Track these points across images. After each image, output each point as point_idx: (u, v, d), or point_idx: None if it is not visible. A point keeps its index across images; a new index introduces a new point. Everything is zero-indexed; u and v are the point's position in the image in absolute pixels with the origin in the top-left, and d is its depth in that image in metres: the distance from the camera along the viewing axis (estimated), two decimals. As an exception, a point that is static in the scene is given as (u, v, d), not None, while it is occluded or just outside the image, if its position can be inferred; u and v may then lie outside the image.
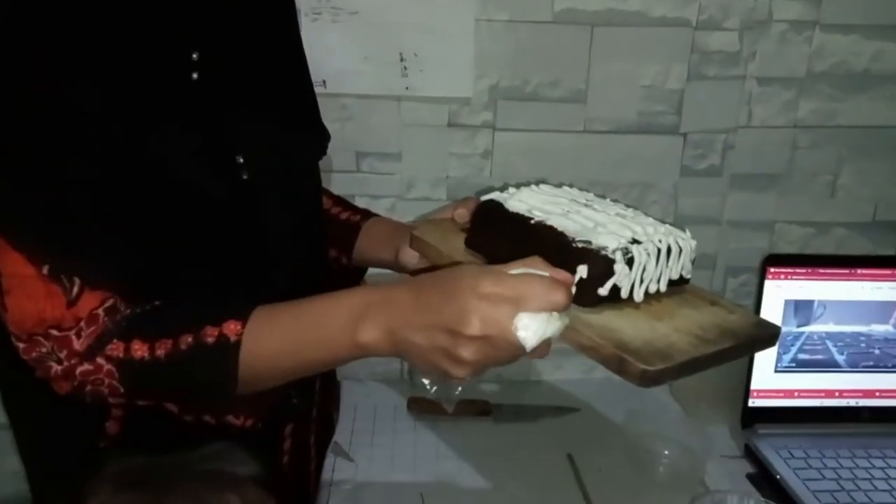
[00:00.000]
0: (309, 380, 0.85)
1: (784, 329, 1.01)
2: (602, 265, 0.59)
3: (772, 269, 0.99)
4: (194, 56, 0.66)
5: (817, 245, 1.16)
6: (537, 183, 0.76)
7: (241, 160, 0.69)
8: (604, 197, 0.75)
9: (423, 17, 1.02)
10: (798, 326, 1.01)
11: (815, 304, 1.01)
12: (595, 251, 0.60)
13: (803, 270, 1.00)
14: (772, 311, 1.00)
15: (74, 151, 0.58)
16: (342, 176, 1.10)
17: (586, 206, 0.69)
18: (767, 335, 0.63)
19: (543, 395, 1.16)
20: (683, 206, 1.14)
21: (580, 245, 0.60)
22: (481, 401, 1.10)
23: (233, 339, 0.58)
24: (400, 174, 1.10)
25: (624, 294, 0.61)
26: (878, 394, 1.04)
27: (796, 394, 1.03)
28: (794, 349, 1.02)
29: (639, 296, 0.62)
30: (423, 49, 1.03)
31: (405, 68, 1.04)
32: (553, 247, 0.61)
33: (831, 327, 1.02)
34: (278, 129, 0.75)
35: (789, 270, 1.00)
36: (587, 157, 1.10)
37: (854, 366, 1.03)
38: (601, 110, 1.08)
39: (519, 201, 0.68)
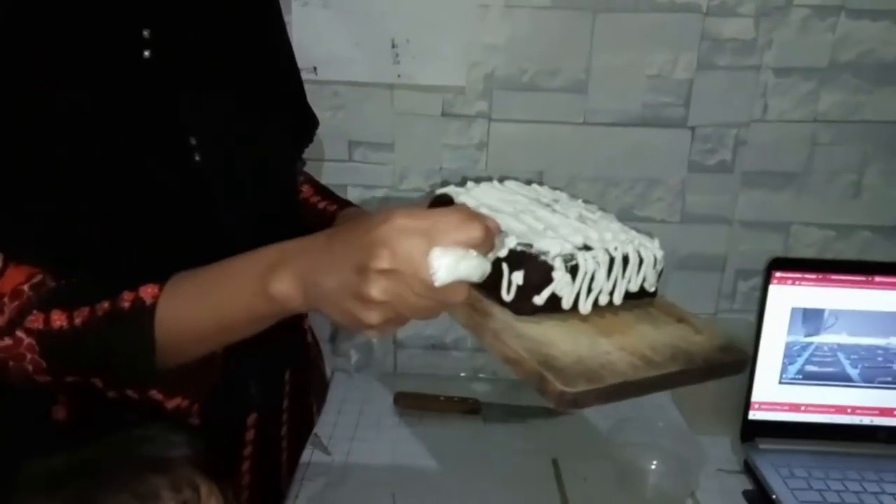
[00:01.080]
0: (276, 370, 0.84)
1: (790, 338, 0.94)
2: (539, 271, 0.55)
3: (777, 274, 0.92)
4: (145, 33, 0.64)
5: (838, 249, 1.08)
6: (501, 180, 0.72)
7: (194, 142, 0.67)
8: (576, 198, 0.70)
9: (416, 3, 0.99)
10: (806, 336, 0.94)
11: (826, 314, 0.94)
12: (533, 256, 0.55)
13: (813, 276, 0.93)
14: (776, 319, 0.93)
15: (9, 129, 0.57)
16: (334, 165, 1.08)
17: (547, 206, 0.65)
18: (732, 361, 0.57)
19: (538, 396, 1.12)
20: (691, 204, 1.08)
21: (519, 248, 0.56)
22: (471, 399, 1.07)
23: (148, 301, 0.56)
24: (393, 165, 1.07)
25: (566, 305, 0.56)
26: None
27: (802, 408, 0.96)
28: (800, 360, 0.95)
29: (585, 308, 0.57)
30: (416, 35, 1.00)
31: (397, 55, 1.01)
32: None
33: (844, 338, 0.94)
34: (241, 111, 0.73)
35: (797, 276, 0.93)
36: (588, 150, 1.05)
37: (869, 381, 0.95)
38: (603, 101, 1.03)
39: (470, 197, 0.65)
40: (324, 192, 0.93)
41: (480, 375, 1.16)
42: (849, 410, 0.97)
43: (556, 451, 0.97)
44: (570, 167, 1.06)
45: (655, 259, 0.61)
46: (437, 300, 0.50)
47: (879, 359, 0.95)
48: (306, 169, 0.96)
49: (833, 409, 0.96)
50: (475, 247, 0.49)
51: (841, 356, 0.95)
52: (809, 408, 0.96)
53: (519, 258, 0.56)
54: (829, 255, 1.09)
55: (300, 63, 0.89)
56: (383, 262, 0.48)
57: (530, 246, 0.56)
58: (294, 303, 0.54)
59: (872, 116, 1.03)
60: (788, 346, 0.94)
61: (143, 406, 0.62)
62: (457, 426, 1.03)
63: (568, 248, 0.56)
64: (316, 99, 1.01)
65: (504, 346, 0.52)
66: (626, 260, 0.59)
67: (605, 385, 0.49)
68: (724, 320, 1.10)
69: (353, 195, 1.08)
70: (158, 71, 0.64)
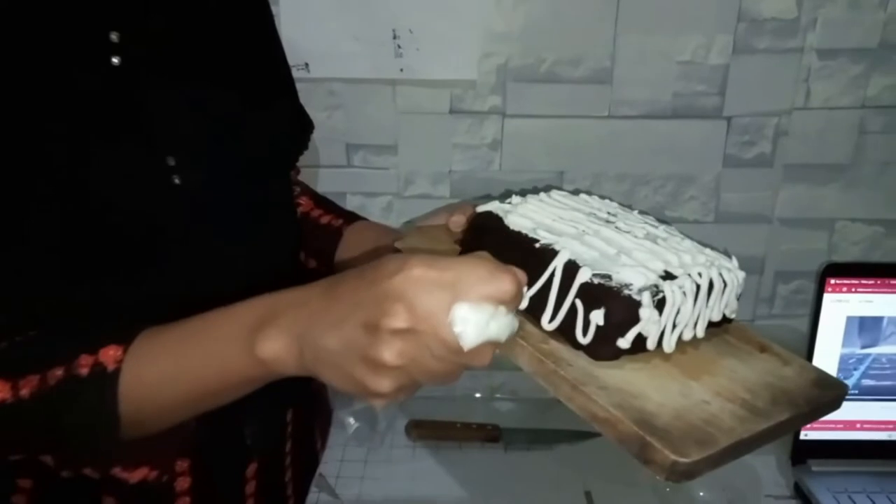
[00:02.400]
0: (276, 410, 0.75)
1: (845, 351, 0.85)
2: (624, 309, 0.47)
3: (832, 281, 0.83)
4: (113, 37, 0.54)
5: (888, 246, 0.99)
6: (547, 189, 0.63)
7: (173, 162, 0.57)
8: (630, 208, 0.61)
9: (419, -13, 0.88)
10: (863, 348, 0.85)
11: (885, 322, 0.85)
12: (616, 290, 0.47)
13: (870, 282, 0.84)
14: (830, 329, 0.84)
15: None
16: (331, 172, 0.97)
17: (607, 222, 0.56)
18: (831, 398, 0.49)
19: (563, 416, 1.03)
20: (727, 202, 0.98)
21: (596, 281, 0.48)
22: (490, 425, 0.98)
23: (110, 367, 0.48)
24: (397, 169, 0.97)
25: (651, 345, 0.49)
26: (959, 427, 0.87)
27: (858, 425, 0.88)
28: (857, 374, 0.86)
29: (670, 345, 0.49)
30: (420, 25, 0.89)
31: (399, 47, 0.90)
32: (565, 283, 0.49)
33: (904, 349, 0.86)
34: (227, 121, 0.63)
35: (853, 282, 0.83)
36: (613, 146, 0.95)
37: (929, 395, 0.87)
38: (630, 92, 0.93)
39: (522, 216, 0.55)
40: (324, 203, 0.83)
41: (498, 396, 1.06)
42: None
43: (588, 480, 0.88)
44: (594, 165, 0.96)
45: (737, 282, 0.52)
46: (460, 364, 0.44)
47: (943, 370, 0.86)
48: (300, 178, 0.86)
49: (892, 426, 0.88)
50: (505, 302, 0.43)
51: (901, 368, 0.86)
52: (866, 425, 0.88)
53: (597, 293, 0.47)
54: (878, 254, 0.99)
55: (290, 60, 0.79)
56: (399, 320, 0.42)
57: (609, 278, 0.48)
58: (287, 366, 0.47)
59: (926, 100, 0.93)
60: (843, 359, 0.85)
61: (104, 486, 0.53)
62: (476, 456, 0.94)
63: (652, 279, 0.47)
64: (309, 99, 0.91)
65: (589, 401, 0.44)
66: (710, 287, 0.50)
67: (718, 448, 0.41)
68: (764, 327, 1.01)
69: (352, 204, 0.98)
70: (129, 80, 0.54)
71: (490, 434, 0.96)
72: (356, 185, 0.98)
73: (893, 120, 0.94)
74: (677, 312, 0.49)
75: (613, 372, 0.47)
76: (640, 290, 0.47)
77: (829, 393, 0.49)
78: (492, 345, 0.44)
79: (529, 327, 0.51)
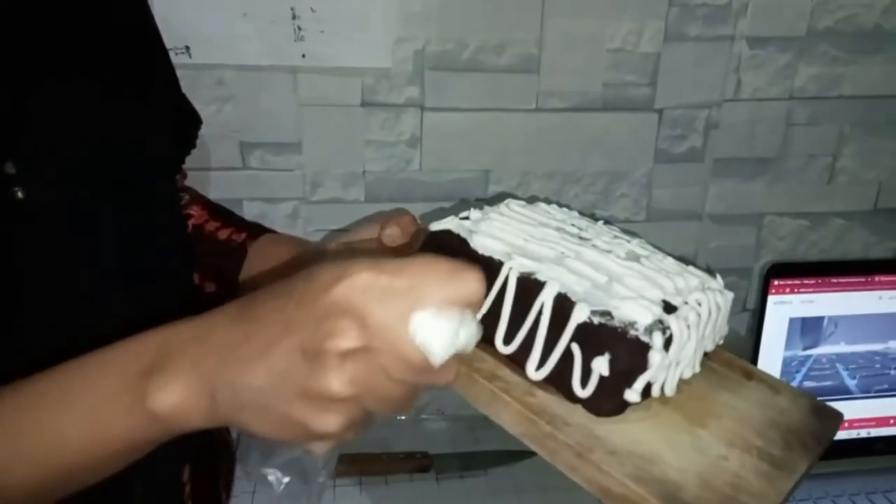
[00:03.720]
0: (171, 468, 0.62)
1: (788, 353, 0.82)
2: (633, 355, 0.39)
3: (776, 282, 0.79)
4: None
5: (813, 239, 0.98)
6: (501, 199, 0.53)
7: (14, 170, 0.44)
8: (592, 218, 0.53)
9: (321, -41, 0.75)
10: (805, 349, 0.82)
11: (826, 322, 0.82)
12: (620, 331, 0.39)
13: (812, 281, 0.80)
14: (774, 332, 0.80)
15: None
16: (223, 175, 0.83)
17: (581, 238, 0.47)
18: (832, 429, 0.44)
19: (494, 433, 0.95)
20: (658, 199, 0.93)
21: (596, 321, 0.39)
22: (419, 453, 0.88)
23: None
24: (301, 170, 0.84)
25: (656, 391, 0.41)
26: (892, 421, 0.86)
27: (800, 428, 0.85)
28: (799, 376, 0.83)
29: (671, 388, 0.42)
30: (323, 3, 0.77)
31: (299, 29, 0.77)
32: (557, 322, 0.41)
33: (843, 348, 0.83)
34: (89, 119, 0.49)
35: (796, 282, 0.80)
36: (542, 142, 0.87)
37: (867, 391, 0.85)
38: (558, 82, 0.85)
39: (489, 237, 0.45)
40: (221, 214, 0.69)
41: (424, 416, 0.97)
42: (846, 425, 0.86)
43: (530, 508, 0.80)
44: (521, 163, 0.88)
45: (728, 305, 0.45)
46: (422, 383, 0.36)
47: (877, 366, 0.85)
48: (188, 182, 0.72)
49: (831, 427, 0.86)
50: (472, 305, 0.36)
51: (840, 367, 0.84)
52: (807, 428, 0.85)
53: (598, 336, 0.39)
54: (802, 247, 0.98)
55: (167, 42, 0.65)
56: (348, 339, 0.33)
57: (610, 315, 0.39)
58: (192, 418, 0.37)
59: (850, 91, 0.91)
60: (786, 362, 0.82)
61: None
62: (406, 490, 0.85)
63: (657, 313, 0.39)
64: (193, 89, 0.77)
65: (600, 474, 0.36)
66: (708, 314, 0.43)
67: None
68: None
69: (250, 212, 0.85)
70: None
71: (419, 464, 0.87)
72: (254, 189, 0.84)
73: (819, 111, 0.92)
74: (681, 350, 0.41)
75: (617, 428, 0.39)
76: (648, 330, 0.39)
77: (830, 424, 0.44)
78: (456, 359, 0.36)
79: (510, 376, 0.42)
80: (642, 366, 0.39)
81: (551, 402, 0.41)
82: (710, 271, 0.47)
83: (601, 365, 0.39)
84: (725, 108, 0.90)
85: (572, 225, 0.50)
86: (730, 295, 0.46)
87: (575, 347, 0.40)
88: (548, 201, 0.55)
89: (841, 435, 0.86)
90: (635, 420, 0.40)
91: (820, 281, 0.81)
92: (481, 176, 0.88)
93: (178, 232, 0.64)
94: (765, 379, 0.47)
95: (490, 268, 0.44)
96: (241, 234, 0.66)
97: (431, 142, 0.85)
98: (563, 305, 0.40)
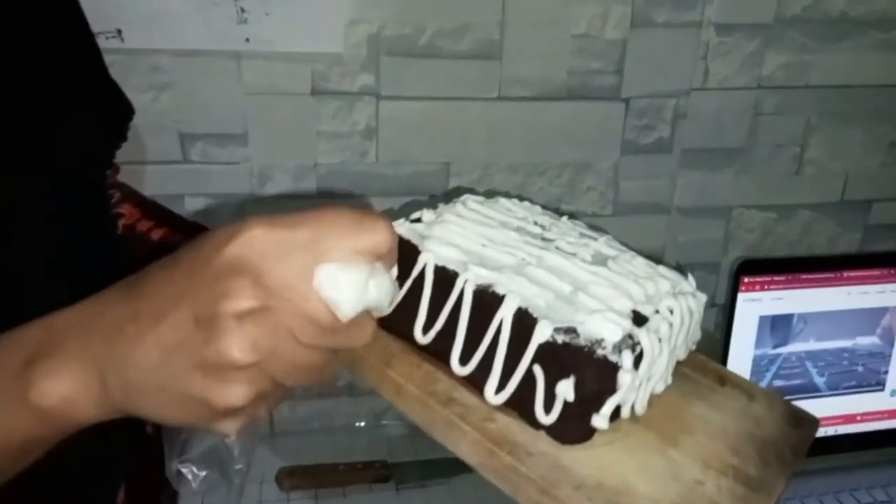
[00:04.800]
0: (104, 489, 0.57)
1: (758, 352, 0.80)
2: (600, 377, 0.35)
3: (746, 279, 0.77)
4: None
5: (780, 232, 0.96)
6: (458, 195, 0.48)
7: None
8: (555, 214, 0.49)
9: (265, -66, 0.70)
10: (774, 347, 0.80)
11: (795, 319, 0.80)
12: (587, 351, 0.35)
13: (782, 278, 0.78)
14: (743, 331, 0.78)
15: None
16: (162, 169, 0.77)
17: (544, 239, 0.43)
18: (808, 438, 0.42)
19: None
20: (626, 192, 0.89)
21: (560, 340, 0.35)
22: (378, 462, 0.84)
23: None
24: (248, 163, 0.79)
25: (626, 413, 0.38)
26: (859, 418, 0.85)
27: (769, 427, 0.83)
28: (769, 375, 0.81)
29: (642, 406, 0.39)
30: (269, -18, 0.71)
31: (243, 11, 0.71)
32: (517, 341, 0.37)
33: (812, 345, 0.82)
34: (10, 108, 0.45)
35: (766, 279, 0.78)
36: (504, 132, 0.83)
37: (835, 388, 0.84)
38: (521, 69, 0.81)
39: (443, 243, 0.41)
40: (155, 212, 0.64)
41: (384, 422, 0.92)
42: (815, 423, 0.84)
43: (494, 518, 0.77)
44: (483, 155, 0.84)
45: (701, 309, 0.42)
46: (334, 345, 0.33)
47: (845, 363, 0.83)
48: (122, 178, 0.66)
49: (800, 425, 0.84)
50: (382, 256, 0.33)
51: (809, 365, 0.82)
52: (776, 426, 0.83)
53: (562, 357, 0.35)
54: (770, 240, 0.96)
55: (96, 26, 0.59)
56: (244, 298, 0.30)
57: (574, 333, 0.35)
58: (83, 409, 0.33)
59: (818, 80, 0.89)
60: (756, 361, 0.80)
61: None
62: (365, 502, 0.80)
63: (625, 327, 0.36)
64: (126, 76, 0.71)
65: None
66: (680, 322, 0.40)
67: None
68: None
69: (193, 208, 0.79)
70: None
71: (378, 473, 0.82)
72: (196, 184, 0.78)
73: (786, 100, 0.90)
74: (653, 365, 0.38)
75: (584, 456, 0.36)
76: (617, 348, 0.35)
77: (806, 432, 0.42)
78: (370, 317, 0.34)
79: (468, 399, 0.38)
80: (611, 388, 0.35)
81: (513, 428, 0.37)
82: (682, 270, 0.44)
83: (566, 389, 0.35)
84: (693, 97, 0.87)
85: (535, 223, 0.46)
86: (703, 297, 0.43)
87: (537, 369, 0.36)
88: (508, 195, 0.50)
89: (809, 432, 0.84)
90: (604, 444, 0.37)
91: (790, 277, 0.78)
92: (441, 168, 0.83)
93: (106, 233, 0.58)
94: (739, 384, 0.45)
95: (444, 279, 0.39)
96: (176, 235, 0.60)
97: (388, 132, 0.80)
98: (524, 322, 0.36)
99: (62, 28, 0.56)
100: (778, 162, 0.93)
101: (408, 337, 0.41)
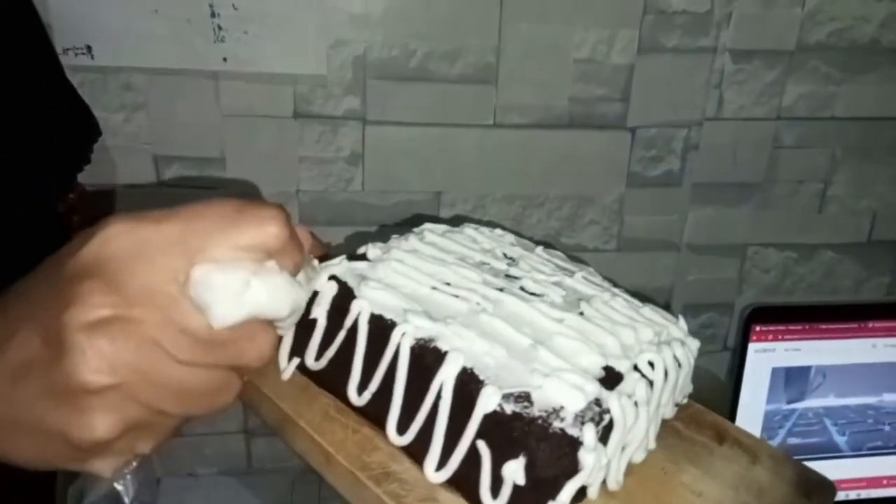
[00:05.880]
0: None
1: (770, 407, 0.73)
2: (557, 456, 0.30)
3: (758, 328, 0.70)
4: None
5: (800, 273, 0.89)
6: (417, 224, 0.43)
7: None
8: (530, 242, 0.44)
9: (245, -51, 0.66)
10: (789, 403, 0.73)
11: (813, 372, 0.73)
12: (541, 423, 0.30)
13: (798, 327, 0.71)
14: (754, 384, 0.71)
15: None
16: (135, 193, 0.73)
17: (508, 277, 0.38)
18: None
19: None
20: (631, 227, 0.83)
21: (509, 410, 0.30)
22: None
23: None
24: (226, 188, 0.74)
25: (593, 493, 0.32)
26: (885, 482, 0.77)
27: (783, 490, 0.76)
28: (781, 432, 0.74)
29: (616, 482, 0.33)
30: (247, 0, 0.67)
31: (220, 28, 0.67)
32: (460, 409, 0.32)
33: (831, 401, 0.74)
34: None
35: (780, 328, 0.71)
36: (500, 161, 0.78)
37: (858, 449, 0.76)
38: (518, 95, 0.76)
39: (382, 287, 0.36)
40: None
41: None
42: (834, 486, 0.77)
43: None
44: (477, 185, 0.78)
45: (691, 358, 0.38)
46: (221, 362, 0.28)
47: (870, 420, 0.76)
48: (92, 201, 0.62)
49: (817, 488, 0.76)
50: (273, 252, 0.29)
51: (828, 422, 0.75)
52: (790, 489, 0.76)
53: (511, 432, 0.30)
54: (789, 282, 0.89)
55: (64, 41, 0.56)
56: (93, 306, 0.26)
57: (527, 400, 0.30)
58: None
59: (843, 112, 0.83)
60: (768, 417, 0.73)
61: None
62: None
63: (591, 392, 0.30)
64: (97, 95, 0.68)
65: None
66: (665, 375, 0.35)
67: None
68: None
69: (168, 234, 0.75)
70: None
71: None
72: (170, 209, 0.74)
73: (809, 133, 0.83)
74: (629, 432, 0.32)
75: None
76: (579, 419, 0.30)
77: (821, 500, 0.36)
78: (266, 326, 0.29)
79: (408, 472, 0.33)
80: (571, 469, 0.30)
81: None
82: (669, 309, 0.39)
83: (514, 471, 0.30)
84: (706, 127, 0.81)
85: (503, 255, 0.41)
86: (695, 344, 0.38)
87: (482, 445, 0.31)
88: (492, 224, 0.45)
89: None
90: None
91: (807, 327, 0.72)
92: (432, 198, 0.78)
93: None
94: (740, 440, 0.39)
95: (380, 331, 0.34)
96: None
97: (375, 159, 0.76)
98: (468, 386, 0.31)
99: (18, 45, 0.52)
100: (799, 198, 0.86)
101: (343, 395, 0.36)
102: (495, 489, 0.31)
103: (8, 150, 0.50)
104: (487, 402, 0.30)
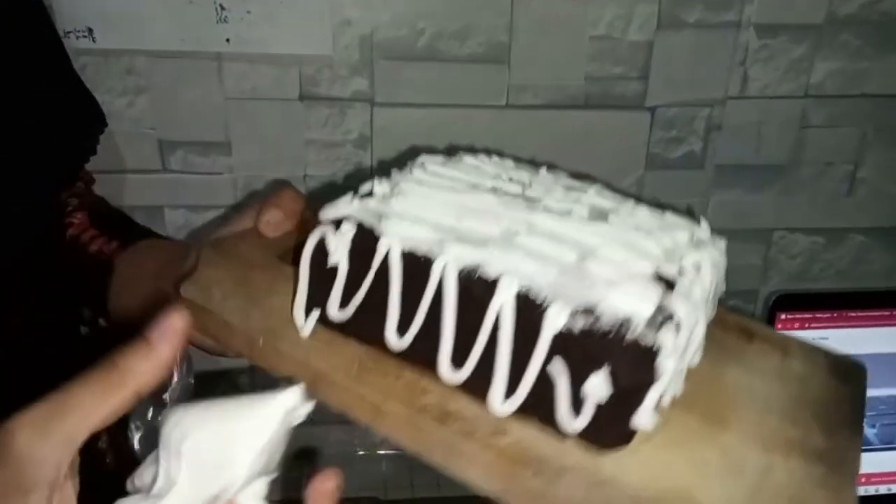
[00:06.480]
0: None
1: (796, 398, 0.70)
2: (637, 365, 0.28)
3: (783, 316, 0.67)
4: None
5: (828, 259, 0.85)
6: (411, 158, 0.41)
7: None
8: (532, 164, 0.41)
9: (247, -75, 0.64)
10: (815, 393, 0.70)
11: (841, 362, 0.70)
12: (615, 336, 0.28)
13: (825, 315, 0.68)
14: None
15: None
16: (140, 179, 0.72)
17: (527, 200, 0.36)
18: (861, 386, 0.36)
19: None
20: (650, 212, 0.80)
21: (579, 326, 0.28)
22: (366, 499, 0.77)
23: None
24: (231, 173, 0.73)
25: (664, 401, 0.31)
26: (917, 476, 0.74)
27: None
28: (808, 424, 0.71)
29: (679, 388, 0.33)
30: (251, -22, 0.65)
31: (222, 9, 0.66)
32: (524, 333, 0.29)
33: (861, 392, 0.71)
34: None
35: (807, 316, 0.68)
36: (513, 143, 0.74)
37: (889, 442, 0.73)
38: (532, 74, 0.73)
39: (408, 221, 0.33)
40: (104, 221, 0.58)
41: (380, 452, 0.85)
42: (863, 479, 0.74)
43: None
44: (489, 168, 0.76)
45: (723, 257, 0.37)
46: None
47: (901, 412, 0.73)
48: (100, 187, 0.61)
49: (845, 482, 0.74)
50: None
51: (856, 414, 0.72)
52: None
53: (586, 347, 0.29)
54: (816, 268, 0.85)
55: (65, 23, 0.55)
56: None
57: (594, 315, 0.28)
58: None
59: (875, 89, 0.79)
60: (793, 409, 0.70)
61: None
62: (348, 545, 0.73)
63: (656, 298, 0.29)
64: (99, 79, 0.67)
65: None
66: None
67: None
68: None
69: (173, 222, 0.74)
70: None
71: (366, 514, 0.76)
72: (176, 195, 0.73)
73: (838, 112, 0.79)
74: (689, 337, 0.31)
75: (627, 462, 0.29)
76: (650, 326, 0.28)
77: (856, 380, 0.36)
78: None
79: (469, 409, 0.31)
80: (651, 378, 0.28)
81: (533, 439, 0.30)
82: (692, 213, 0.38)
83: (597, 387, 0.28)
84: (729, 106, 0.77)
85: (511, 180, 0.38)
86: (722, 243, 0.36)
87: (556, 366, 0.29)
88: (472, 151, 0.43)
89: (858, 491, 0.74)
90: (644, 440, 0.30)
91: (834, 315, 0.68)
92: (443, 182, 0.76)
93: (50, 249, 0.53)
94: (768, 337, 0.39)
95: (417, 267, 0.31)
96: (113, 243, 0.54)
97: (384, 142, 0.74)
98: (529, 309, 0.29)
99: (26, 35, 0.51)
100: (827, 181, 0.83)
101: (377, 341, 0.34)
102: (575, 410, 0.29)
103: (12, 142, 0.49)
104: (556, 321, 0.28)
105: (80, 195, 0.59)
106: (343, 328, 0.35)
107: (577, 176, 0.40)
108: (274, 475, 0.30)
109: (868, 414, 0.70)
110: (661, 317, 0.29)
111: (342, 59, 0.70)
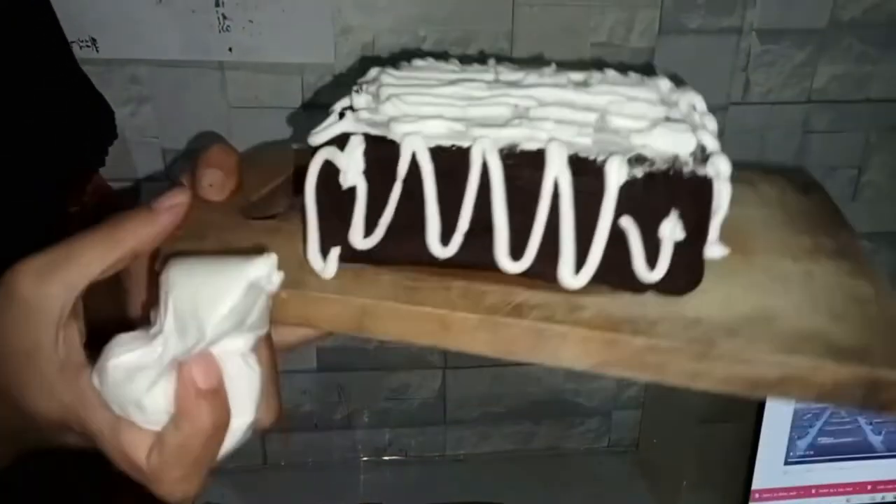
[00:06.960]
0: None
1: (800, 405, 0.69)
2: (699, 197, 0.30)
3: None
4: None
5: (833, 264, 0.85)
6: (377, 58, 0.41)
7: None
8: (508, 61, 0.38)
9: (248, -65, 0.64)
10: (820, 400, 0.70)
11: (845, 368, 0.69)
12: (675, 172, 0.29)
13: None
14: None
15: None
16: (146, 187, 0.72)
17: (510, 85, 0.34)
18: (825, 197, 0.41)
19: (462, 480, 0.83)
20: (653, 217, 0.80)
21: (639, 173, 0.29)
22: (369, 506, 0.77)
23: None
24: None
25: (714, 235, 0.33)
26: (923, 483, 0.74)
27: (814, 491, 0.73)
28: (812, 431, 0.71)
29: (717, 223, 0.33)
30: (252, -13, 0.65)
31: (224, 17, 0.66)
32: (584, 198, 0.29)
33: (866, 398, 0.71)
34: None
35: (810, 322, 0.67)
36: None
37: (894, 449, 0.72)
38: (534, 81, 0.73)
39: (415, 118, 0.30)
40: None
41: (385, 458, 0.86)
42: (869, 487, 0.74)
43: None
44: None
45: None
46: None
47: (907, 419, 0.72)
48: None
49: (851, 489, 0.73)
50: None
51: (862, 421, 0.71)
52: (823, 490, 0.73)
53: (649, 192, 0.29)
54: (821, 273, 0.85)
55: (69, 33, 0.56)
56: None
57: (645, 161, 0.29)
58: None
59: (879, 93, 0.78)
60: (797, 416, 0.70)
61: None
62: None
63: (690, 133, 0.30)
64: (102, 88, 0.67)
65: (741, 365, 0.28)
66: None
67: None
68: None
69: (177, 229, 0.74)
70: None
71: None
72: (180, 203, 0.73)
73: (841, 116, 0.79)
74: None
75: (704, 301, 0.30)
76: (697, 158, 0.29)
77: (820, 191, 0.41)
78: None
79: (536, 297, 0.30)
80: (710, 206, 0.30)
81: (611, 306, 0.30)
82: (652, 69, 0.40)
83: (671, 228, 0.29)
84: (732, 112, 0.77)
85: (497, 79, 0.35)
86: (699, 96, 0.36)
87: (626, 221, 0.29)
88: (419, 55, 0.40)
89: (864, 499, 0.73)
90: (710, 282, 0.31)
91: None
92: (445, 189, 0.76)
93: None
94: (734, 177, 0.37)
95: (451, 160, 0.29)
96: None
97: (385, 150, 0.74)
98: (586, 169, 0.29)
99: (35, 47, 0.52)
100: (831, 185, 0.81)
101: (414, 259, 0.31)
102: (651, 259, 0.29)
103: (19, 152, 0.49)
104: (618, 174, 0.28)
105: (85, 204, 0.59)
106: (371, 256, 0.31)
107: (532, 60, 0.40)
108: (262, 331, 0.28)
109: (874, 421, 0.69)
110: (703, 150, 0.30)
111: (343, 66, 0.70)
